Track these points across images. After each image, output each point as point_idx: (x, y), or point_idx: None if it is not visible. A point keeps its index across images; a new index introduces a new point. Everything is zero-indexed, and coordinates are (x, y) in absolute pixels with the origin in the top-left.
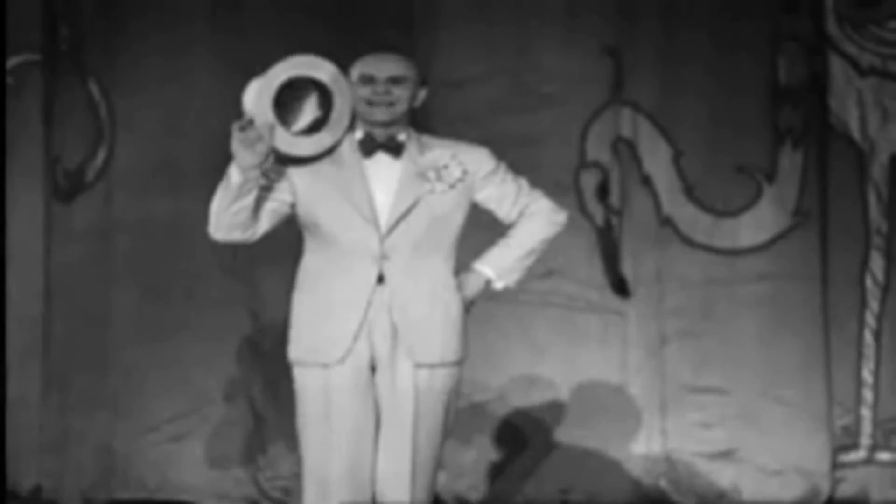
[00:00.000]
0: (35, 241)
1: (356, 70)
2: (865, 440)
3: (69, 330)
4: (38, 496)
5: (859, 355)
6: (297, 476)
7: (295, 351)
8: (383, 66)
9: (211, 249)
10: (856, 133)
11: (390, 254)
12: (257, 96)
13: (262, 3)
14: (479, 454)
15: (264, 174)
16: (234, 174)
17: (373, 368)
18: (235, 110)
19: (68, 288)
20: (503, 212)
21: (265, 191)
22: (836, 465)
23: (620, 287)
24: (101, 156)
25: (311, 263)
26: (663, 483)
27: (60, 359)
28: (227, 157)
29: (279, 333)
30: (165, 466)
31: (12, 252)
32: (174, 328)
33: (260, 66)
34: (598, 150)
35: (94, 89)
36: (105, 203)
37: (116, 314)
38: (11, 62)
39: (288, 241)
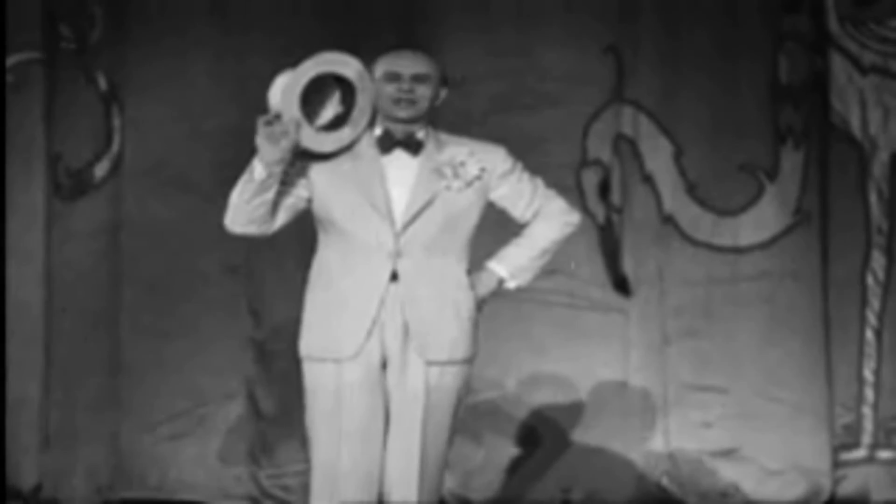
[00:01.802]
0: (35, 240)
1: (380, 67)
2: (866, 439)
3: (71, 329)
4: (38, 494)
5: (860, 354)
6: (298, 474)
7: (306, 346)
8: (408, 63)
9: (213, 249)
10: (857, 131)
11: (405, 251)
12: (285, 91)
13: (266, 4)
14: (483, 453)
15: (285, 169)
16: (257, 168)
17: (383, 366)
18: (237, 110)
19: (70, 287)
20: (518, 211)
21: (282, 185)
22: (837, 464)
23: (622, 285)
24: (110, 155)
25: (326, 259)
26: (665, 481)
27: (62, 357)
28: (230, 157)
29: (281, 332)
30: (167, 464)
31: (12, 250)
32: (176, 327)
33: (260, 66)
34: (599, 148)
35: (104, 89)
36: (111, 202)
37: (118, 313)
38: (12, 60)
39: (290, 241)
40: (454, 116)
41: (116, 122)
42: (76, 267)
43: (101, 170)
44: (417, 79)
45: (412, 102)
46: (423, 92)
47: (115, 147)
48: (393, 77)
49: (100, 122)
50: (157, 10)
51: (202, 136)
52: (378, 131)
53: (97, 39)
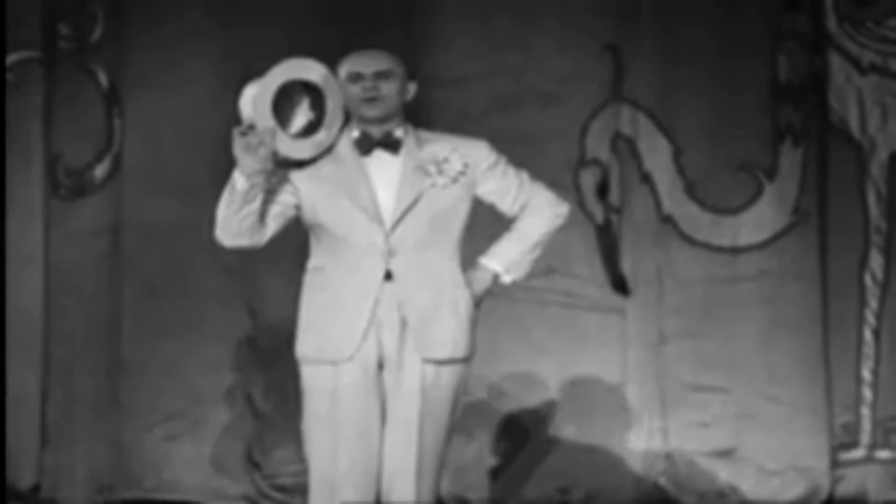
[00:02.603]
0: (34, 240)
1: (343, 69)
2: (865, 438)
3: (70, 328)
4: (37, 494)
5: (859, 354)
6: (295, 474)
7: (303, 348)
8: (369, 61)
9: (211, 249)
10: (856, 131)
11: (396, 250)
12: (255, 101)
13: (264, 3)
14: (479, 453)
15: (268, 179)
16: (238, 181)
17: (380, 365)
18: (236, 112)
19: (69, 286)
20: (505, 205)
21: (269, 195)
22: (835, 464)
23: (620, 285)
24: (111, 155)
25: (319, 263)
26: (663, 481)
27: (61, 357)
28: (231, 157)
29: (279, 333)
30: (163, 465)
31: (11, 250)
32: (174, 327)
33: (257, 69)
34: (597, 147)
35: (105, 88)
36: (111, 202)
37: (117, 313)
38: (11, 58)
39: (287, 241)
40: (452, 115)
41: (117, 121)
42: (76, 267)
43: (101, 170)
44: (380, 76)
45: (378, 100)
46: (388, 89)
47: (115, 147)
48: (356, 77)
49: (101, 122)
50: (158, 8)
51: (203, 136)
52: (355, 133)
53: (99, 38)
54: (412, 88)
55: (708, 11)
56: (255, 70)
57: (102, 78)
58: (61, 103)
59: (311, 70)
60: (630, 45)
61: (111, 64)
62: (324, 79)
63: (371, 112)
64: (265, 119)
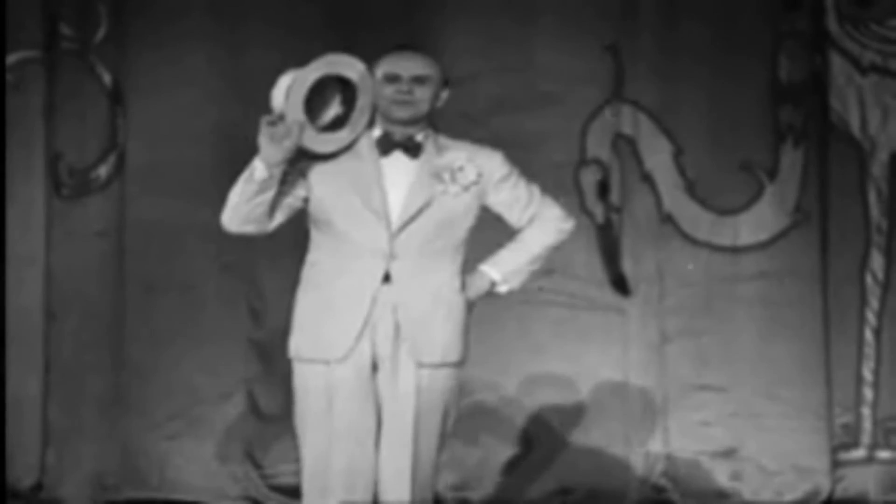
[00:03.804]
0: (35, 240)
1: (381, 69)
2: (865, 439)
3: (72, 328)
4: (37, 494)
5: (859, 353)
6: (296, 474)
7: (296, 347)
8: (408, 64)
9: (213, 249)
10: (856, 131)
11: (398, 253)
12: (289, 93)
13: (265, 3)
14: (481, 454)
15: (285, 169)
16: (258, 169)
17: (374, 367)
18: (241, 108)
19: (71, 286)
20: (514, 217)
21: (281, 185)
22: (836, 464)
23: (621, 285)
24: (115, 154)
25: (318, 260)
26: (664, 481)
27: (62, 357)
28: (233, 155)
29: (280, 332)
30: (166, 464)
31: (12, 251)
32: (176, 327)
33: (263, 63)
34: (598, 147)
35: (109, 87)
36: (113, 202)
37: (119, 312)
38: (12, 59)
39: (289, 238)
40: (454, 116)
41: (121, 121)
42: (77, 267)
43: (105, 170)
44: (417, 80)
45: (410, 104)
46: (423, 94)
47: (119, 146)
48: (393, 78)
49: (104, 122)
50: (161, 8)
51: (206, 136)
52: (377, 132)
53: (103, 38)
54: (444, 95)
55: (708, 11)
56: (257, 67)
57: (106, 78)
58: (64, 103)
59: (349, 66)
60: (630, 45)
61: (115, 64)
62: (360, 76)
63: (400, 114)
64: (296, 112)
